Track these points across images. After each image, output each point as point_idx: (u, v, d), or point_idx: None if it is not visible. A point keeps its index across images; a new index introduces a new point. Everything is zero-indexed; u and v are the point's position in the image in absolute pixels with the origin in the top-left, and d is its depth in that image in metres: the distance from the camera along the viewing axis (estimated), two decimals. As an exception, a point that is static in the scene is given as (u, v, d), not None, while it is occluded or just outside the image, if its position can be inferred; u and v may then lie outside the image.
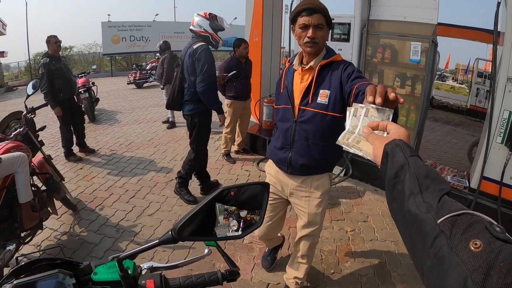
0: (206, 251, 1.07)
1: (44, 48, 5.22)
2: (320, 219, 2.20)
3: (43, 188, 3.09)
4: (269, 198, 0.97)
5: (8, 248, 2.49)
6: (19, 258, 1.07)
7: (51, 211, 3.11)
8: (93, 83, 7.98)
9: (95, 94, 8.01)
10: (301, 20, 1.81)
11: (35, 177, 3.07)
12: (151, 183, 4.41)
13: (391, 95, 0.82)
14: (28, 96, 3.31)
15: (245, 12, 5.67)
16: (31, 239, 2.79)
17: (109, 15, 16.07)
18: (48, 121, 6.83)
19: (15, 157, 2.53)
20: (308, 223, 2.19)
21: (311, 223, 2.19)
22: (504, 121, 3.26)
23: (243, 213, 0.92)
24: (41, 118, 7.05)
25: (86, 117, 6.72)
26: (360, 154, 0.84)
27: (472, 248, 0.48)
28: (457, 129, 8.53)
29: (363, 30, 4.30)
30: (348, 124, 0.91)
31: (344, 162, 4.52)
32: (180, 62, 3.67)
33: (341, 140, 0.90)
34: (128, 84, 12.34)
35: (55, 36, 4.93)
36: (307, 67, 1.93)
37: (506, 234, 0.49)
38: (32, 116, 3.29)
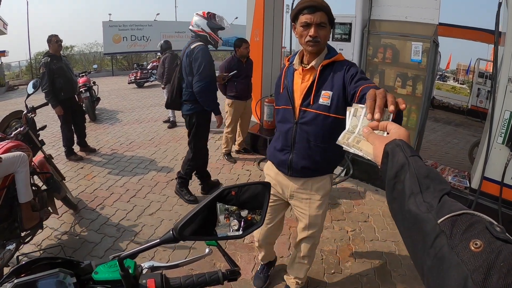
0: (207, 250, 1.07)
1: (45, 47, 5.23)
2: (321, 220, 2.18)
3: (44, 187, 3.10)
4: (269, 200, 0.97)
5: (8, 247, 2.49)
6: (20, 257, 1.07)
7: (51, 211, 3.11)
8: (94, 83, 7.99)
9: (96, 94, 8.02)
10: (303, 18, 1.75)
11: (35, 177, 3.07)
12: (152, 183, 4.41)
13: (390, 108, 0.81)
14: (29, 95, 3.31)
15: (246, 12, 5.67)
16: (31, 239, 2.79)
17: (110, 14, 15.99)
18: (49, 120, 6.84)
19: (15, 157, 2.53)
20: (309, 225, 2.15)
21: (312, 225, 2.15)
22: (505, 122, 3.26)
23: (244, 213, 0.92)
24: (41, 117, 7.06)
25: (87, 116, 6.72)
26: (360, 154, 0.84)
27: (473, 248, 0.48)
28: (458, 130, 8.52)
29: (364, 30, 4.29)
30: (348, 123, 0.91)
31: (345, 162, 4.51)
32: (179, 62, 3.67)
33: (341, 140, 0.90)
34: (129, 83, 12.34)
35: (56, 36, 4.94)
36: (308, 66, 1.87)
37: (506, 234, 0.49)
38: (33, 115, 3.29)
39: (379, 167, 0.76)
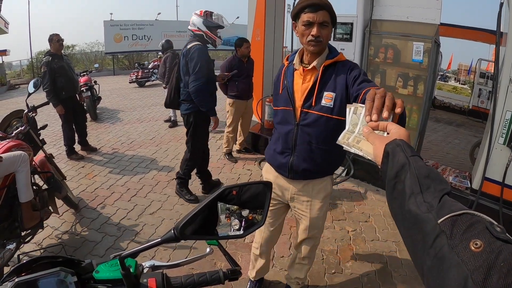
0: (208, 250, 1.07)
1: (46, 46, 5.23)
2: (322, 222, 2.16)
3: (45, 187, 3.10)
4: (269, 204, 0.97)
5: (8, 247, 2.48)
6: (21, 256, 1.07)
7: (52, 210, 3.11)
8: (95, 82, 8.00)
9: (97, 93, 8.03)
10: (305, 17, 1.69)
11: (36, 176, 3.07)
12: (153, 182, 4.42)
13: (384, 114, 0.81)
14: (30, 94, 3.31)
15: (248, 11, 5.67)
16: (31, 238, 2.80)
17: (111, 13, 15.92)
18: (50, 119, 6.85)
19: (15, 156, 2.52)
20: (309, 227, 2.12)
21: (312, 227, 2.12)
22: (506, 122, 3.25)
23: (245, 213, 0.92)
24: (43, 117, 7.07)
25: (88, 115, 6.75)
26: (361, 154, 0.84)
27: (473, 248, 0.48)
28: (459, 130, 8.51)
29: (366, 30, 4.29)
30: (348, 122, 0.91)
31: (346, 162, 4.51)
32: (177, 61, 3.67)
33: (341, 140, 0.90)
34: (130, 83, 12.34)
35: (57, 35, 4.94)
36: (310, 67, 1.81)
37: (507, 234, 0.49)
38: (34, 114, 3.29)
39: (379, 167, 0.76)
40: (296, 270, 2.39)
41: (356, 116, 0.90)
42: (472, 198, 3.56)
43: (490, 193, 3.45)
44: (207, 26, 3.54)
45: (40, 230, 2.91)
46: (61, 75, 4.88)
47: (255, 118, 5.76)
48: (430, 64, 3.91)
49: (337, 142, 0.91)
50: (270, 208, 2.00)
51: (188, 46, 3.47)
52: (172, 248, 3.04)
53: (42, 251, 3.01)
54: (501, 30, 3.28)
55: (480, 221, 0.52)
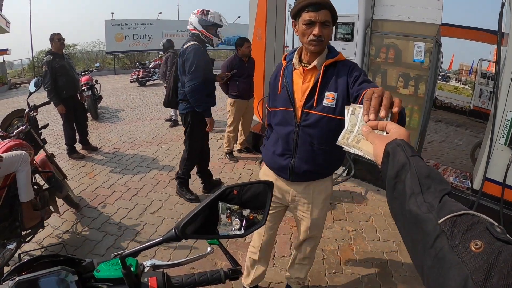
0: (208, 249, 1.07)
1: (47, 45, 5.23)
2: (322, 222, 2.15)
3: (45, 186, 3.10)
4: (271, 204, 0.97)
5: (8, 247, 2.48)
6: (22, 255, 1.08)
7: (53, 210, 3.11)
8: (96, 81, 8.00)
9: (98, 92, 8.03)
10: (306, 15, 1.66)
11: (37, 175, 3.08)
12: (154, 181, 4.42)
13: (381, 114, 0.81)
14: (31, 93, 3.31)
15: (249, 11, 5.67)
16: (31, 238, 2.80)
17: (112, 13, 15.91)
18: (51, 119, 6.86)
19: (16, 156, 2.52)
20: (310, 228, 2.10)
21: (313, 228, 2.11)
22: (507, 122, 3.25)
23: (246, 212, 0.92)
24: (43, 116, 7.08)
25: (89, 114, 6.76)
26: (361, 154, 0.84)
27: (473, 248, 0.48)
28: (460, 130, 8.50)
29: (367, 29, 4.28)
30: (346, 122, 0.91)
31: (346, 162, 4.51)
32: (175, 61, 3.67)
33: (341, 140, 0.90)
34: (131, 82, 12.35)
35: (58, 34, 4.95)
36: (310, 66, 1.78)
37: (507, 235, 0.49)
38: (35, 113, 3.29)
39: (379, 166, 0.76)
40: (296, 270, 2.39)
41: (355, 116, 0.90)
42: (472, 198, 3.55)
43: (491, 194, 3.45)
44: (203, 25, 3.52)
45: (40, 229, 2.91)
46: (62, 74, 4.88)
47: (256, 117, 5.76)
48: (431, 64, 3.90)
49: (337, 143, 0.91)
50: (269, 211, 1.97)
51: (185, 46, 3.47)
52: (173, 247, 3.05)
53: (43, 250, 3.02)
54: (502, 31, 3.27)
55: (481, 222, 0.52)
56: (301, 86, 1.83)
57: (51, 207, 3.08)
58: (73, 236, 3.27)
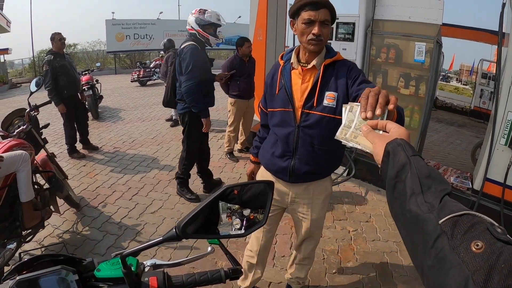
0: (209, 249, 1.07)
1: (48, 45, 5.23)
2: (322, 222, 2.15)
3: (46, 186, 3.10)
4: (271, 204, 0.97)
5: (8, 246, 2.48)
6: (22, 255, 1.08)
7: (53, 210, 3.11)
8: (97, 81, 8.00)
9: (99, 92, 8.03)
10: (306, 15, 1.63)
11: (38, 175, 3.08)
12: (154, 181, 4.43)
13: (377, 112, 0.82)
14: (32, 93, 3.31)
15: (250, 11, 5.67)
16: (32, 238, 2.80)
17: (113, 12, 15.94)
18: (52, 118, 6.86)
19: (17, 156, 2.52)
20: (310, 228, 2.09)
21: (313, 228, 2.10)
22: (508, 123, 3.24)
23: (246, 212, 0.92)
24: (44, 115, 7.07)
25: (89, 114, 6.76)
26: (359, 147, 0.86)
27: (474, 249, 0.48)
28: (460, 130, 8.49)
29: (368, 29, 4.28)
30: (344, 119, 0.93)
31: (347, 162, 4.51)
32: (173, 61, 3.67)
33: (339, 135, 0.92)
34: (131, 82, 12.35)
35: (59, 33, 4.95)
36: (309, 66, 1.75)
37: (507, 235, 0.49)
38: (36, 113, 3.29)
39: (379, 166, 0.76)
40: (296, 270, 2.39)
41: (352, 113, 0.92)
42: (473, 198, 3.55)
43: (491, 194, 3.44)
44: (200, 24, 3.51)
45: (41, 229, 2.91)
46: (63, 74, 4.89)
47: (256, 117, 5.76)
48: (432, 64, 3.90)
49: (335, 138, 0.92)
50: (268, 215, 1.93)
51: (182, 46, 3.47)
52: (173, 247, 3.05)
53: (43, 249, 3.02)
54: (503, 31, 3.27)
55: (481, 222, 0.52)
56: (300, 86, 1.80)
57: (51, 207, 3.08)
58: (74, 236, 3.27)
